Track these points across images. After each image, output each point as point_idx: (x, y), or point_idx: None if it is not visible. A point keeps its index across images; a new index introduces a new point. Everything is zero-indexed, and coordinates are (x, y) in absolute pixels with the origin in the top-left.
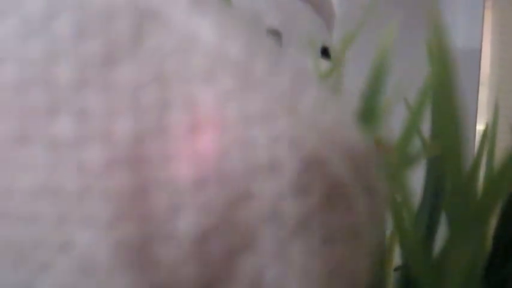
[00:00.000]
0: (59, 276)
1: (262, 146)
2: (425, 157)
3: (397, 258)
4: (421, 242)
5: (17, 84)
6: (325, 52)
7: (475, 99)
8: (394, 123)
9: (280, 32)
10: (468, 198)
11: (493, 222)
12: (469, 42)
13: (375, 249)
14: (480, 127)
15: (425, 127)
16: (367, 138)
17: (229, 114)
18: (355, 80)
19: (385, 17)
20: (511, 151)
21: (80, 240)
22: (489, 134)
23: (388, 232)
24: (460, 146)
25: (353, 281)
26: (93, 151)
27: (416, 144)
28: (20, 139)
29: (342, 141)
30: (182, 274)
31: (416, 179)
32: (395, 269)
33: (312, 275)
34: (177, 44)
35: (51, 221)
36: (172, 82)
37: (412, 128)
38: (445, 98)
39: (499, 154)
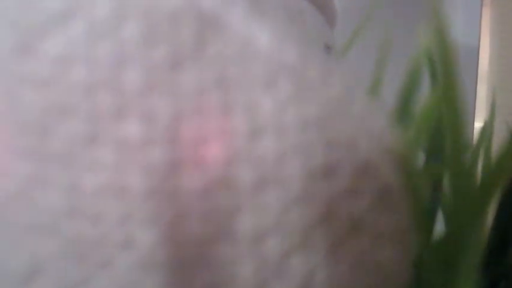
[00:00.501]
0: (118, 274)
1: (318, 149)
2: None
3: None
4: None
5: (86, 86)
6: (328, 51)
7: (473, 96)
8: None
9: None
10: (466, 191)
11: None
12: (467, 39)
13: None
14: (478, 124)
15: None
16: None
17: (287, 119)
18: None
19: (385, 15)
20: (507, 143)
21: (141, 239)
22: (487, 131)
23: None
24: (460, 140)
25: (398, 280)
26: (159, 153)
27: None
28: (88, 139)
29: (390, 146)
30: (238, 273)
31: None
32: None
33: (360, 275)
34: (237, 50)
35: (114, 220)
36: (233, 87)
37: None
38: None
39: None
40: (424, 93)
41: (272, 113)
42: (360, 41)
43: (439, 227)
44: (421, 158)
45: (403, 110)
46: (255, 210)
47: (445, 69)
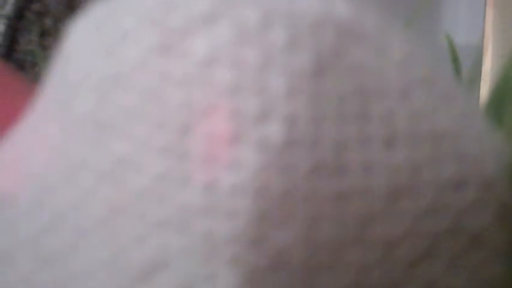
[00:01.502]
0: (247, 272)
1: (450, 162)
2: None
3: None
4: None
5: (230, 88)
6: None
7: (477, 96)
8: None
9: None
10: None
11: None
12: (471, 39)
13: None
14: None
15: None
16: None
17: (421, 130)
18: None
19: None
20: None
21: (275, 237)
22: None
23: None
24: None
25: None
26: (301, 155)
27: None
28: (229, 139)
29: (506, 163)
30: (368, 278)
31: None
32: None
33: (477, 285)
34: (373, 59)
35: (249, 217)
36: (371, 96)
37: None
38: None
39: None
40: None
41: (407, 123)
42: None
43: None
44: None
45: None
46: (388, 218)
47: None
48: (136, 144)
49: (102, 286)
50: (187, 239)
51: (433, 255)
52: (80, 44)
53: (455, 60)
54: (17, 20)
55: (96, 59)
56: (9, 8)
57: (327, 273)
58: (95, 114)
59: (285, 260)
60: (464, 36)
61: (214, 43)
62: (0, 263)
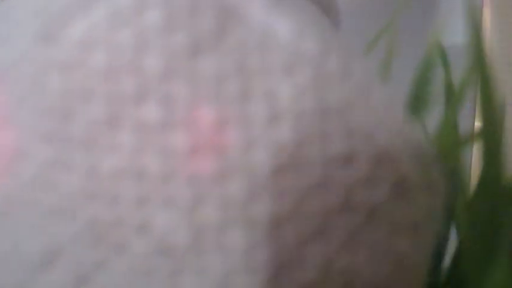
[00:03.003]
0: (135, 258)
1: (338, 137)
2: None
3: None
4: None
5: (107, 70)
6: None
7: (473, 96)
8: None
9: None
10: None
11: None
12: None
13: (432, 244)
14: (478, 123)
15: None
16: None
17: (306, 106)
18: None
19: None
20: None
21: (158, 223)
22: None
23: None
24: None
25: (413, 273)
26: (178, 136)
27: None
28: (108, 122)
29: (409, 138)
30: (255, 258)
31: None
32: None
33: (378, 265)
34: (256, 40)
35: (131, 203)
36: (252, 76)
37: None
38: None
39: None
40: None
41: (291, 100)
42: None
43: None
44: None
45: (417, 100)
46: (272, 196)
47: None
48: (25, 133)
49: (5, 281)
50: (76, 226)
51: (325, 233)
52: None
53: (444, 59)
54: None
55: None
56: None
57: (210, 255)
58: None
59: (170, 244)
60: (460, 36)
61: (89, 27)
62: None
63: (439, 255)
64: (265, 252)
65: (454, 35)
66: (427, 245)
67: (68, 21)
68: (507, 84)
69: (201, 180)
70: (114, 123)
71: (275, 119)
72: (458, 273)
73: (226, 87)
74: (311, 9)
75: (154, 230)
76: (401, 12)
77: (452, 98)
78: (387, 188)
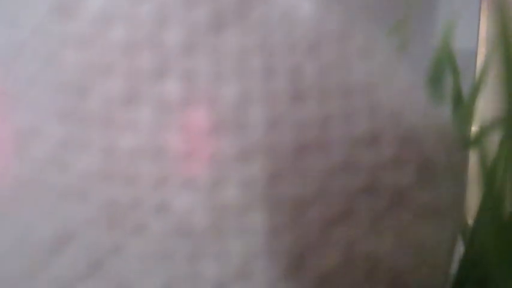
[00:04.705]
0: (152, 240)
1: (362, 116)
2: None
3: None
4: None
5: (126, 44)
6: None
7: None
8: None
9: None
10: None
11: None
12: (465, 44)
13: (456, 231)
14: (474, 128)
15: None
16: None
17: (331, 85)
18: None
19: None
20: None
21: (177, 203)
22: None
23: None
24: None
25: (436, 261)
26: (199, 113)
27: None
28: (126, 99)
29: (434, 120)
30: (277, 241)
31: None
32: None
33: (401, 250)
34: (280, 15)
35: (150, 182)
36: (276, 52)
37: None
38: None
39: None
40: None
41: (315, 78)
42: None
43: None
44: None
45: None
46: (296, 176)
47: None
48: (38, 111)
49: (17, 266)
50: (90, 209)
51: (350, 215)
52: None
53: (452, 64)
54: None
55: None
56: None
57: (231, 238)
58: None
59: (189, 226)
60: (458, 40)
61: (110, 1)
62: None
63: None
64: (288, 235)
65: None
66: (451, 232)
67: None
68: None
69: (222, 160)
70: (132, 99)
71: (299, 97)
72: (466, 278)
73: (249, 63)
74: None
75: (173, 211)
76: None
77: (460, 103)
78: (413, 171)
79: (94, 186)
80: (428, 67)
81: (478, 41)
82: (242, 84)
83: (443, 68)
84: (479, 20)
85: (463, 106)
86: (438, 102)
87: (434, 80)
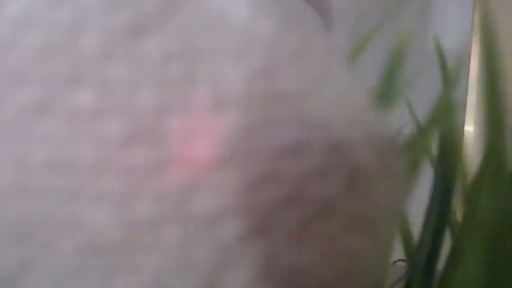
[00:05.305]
0: (64, 257)
1: (289, 125)
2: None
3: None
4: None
5: (41, 51)
6: None
7: (464, 101)
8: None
9: None
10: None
11: None
12: (459, 45)
13: (388, 239)
14: (469, 128)
15: None
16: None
17: (257, 92)
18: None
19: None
20: None
21: (89, 219)
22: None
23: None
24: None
25: (365, 269)
26: (113, 124)
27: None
28: (39, 109)
29: (367, 127)
30: (190, 258)
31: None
32: (394, 262)
33: (327, 263)
34: (207, 21)
35: (61, 196)
36: (199, 58)
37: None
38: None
39: None
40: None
41: (238, 85)
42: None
43: None
44: None
45: (386, 89)
46: (213, 190)
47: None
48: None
49: None
50: (1, 223)
51: (270, 228)
52: None
53: (443, 63)
54: None
55: None
56: None
57: (144, 253)
58: None
59: (101, 242)
60: (452, 41)
61: (27, 5)
62: None
63: (433, 256)
64: (201, 251)
65: (445, 39)
66: (382, 243)
67: None
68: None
69: (135, 172)
70: (45, 109)
71: (220, 105)
72: (453, 274)
73: (168, 70)
74: None
75: (84, 226)
76: (391, 12)
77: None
78: (339, 180)
79: (5, 200)
80: (381, 69)
81: (471, 41)
82: (159, 93)
83: (396, 69)
84: (472, 21)
85: (440, 100)
86: (388, 105)
87: (386, 82)
